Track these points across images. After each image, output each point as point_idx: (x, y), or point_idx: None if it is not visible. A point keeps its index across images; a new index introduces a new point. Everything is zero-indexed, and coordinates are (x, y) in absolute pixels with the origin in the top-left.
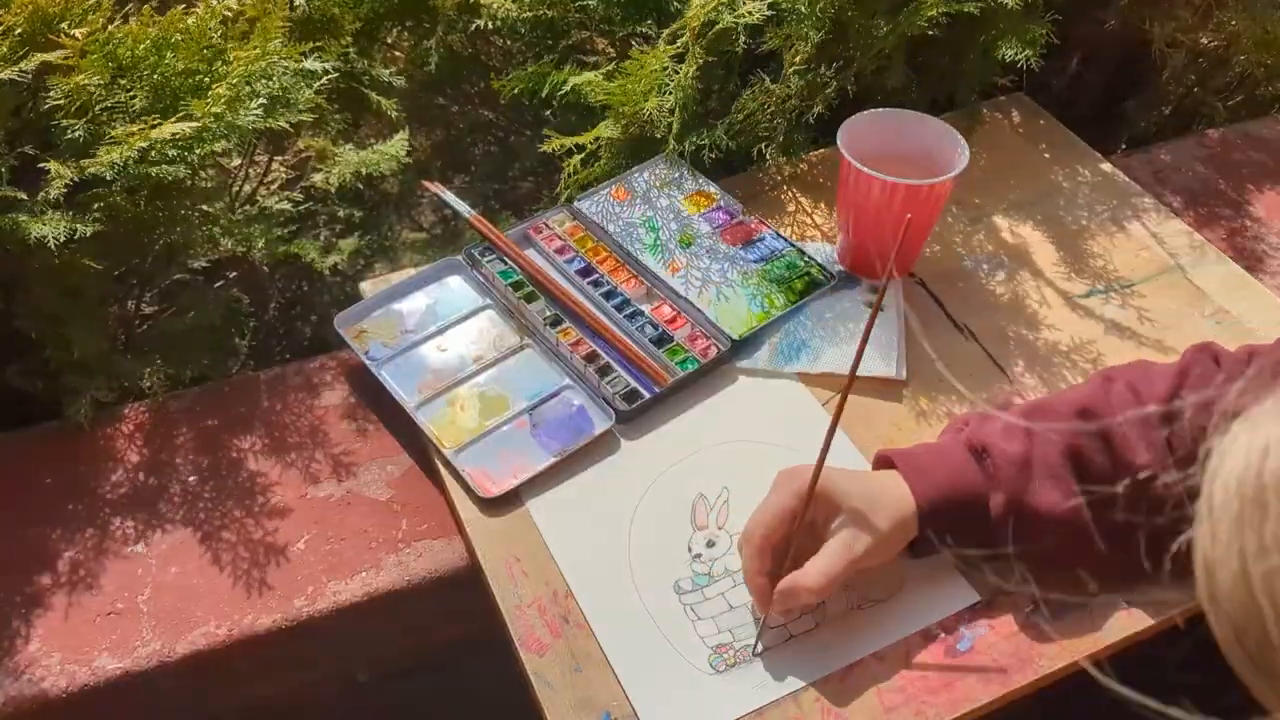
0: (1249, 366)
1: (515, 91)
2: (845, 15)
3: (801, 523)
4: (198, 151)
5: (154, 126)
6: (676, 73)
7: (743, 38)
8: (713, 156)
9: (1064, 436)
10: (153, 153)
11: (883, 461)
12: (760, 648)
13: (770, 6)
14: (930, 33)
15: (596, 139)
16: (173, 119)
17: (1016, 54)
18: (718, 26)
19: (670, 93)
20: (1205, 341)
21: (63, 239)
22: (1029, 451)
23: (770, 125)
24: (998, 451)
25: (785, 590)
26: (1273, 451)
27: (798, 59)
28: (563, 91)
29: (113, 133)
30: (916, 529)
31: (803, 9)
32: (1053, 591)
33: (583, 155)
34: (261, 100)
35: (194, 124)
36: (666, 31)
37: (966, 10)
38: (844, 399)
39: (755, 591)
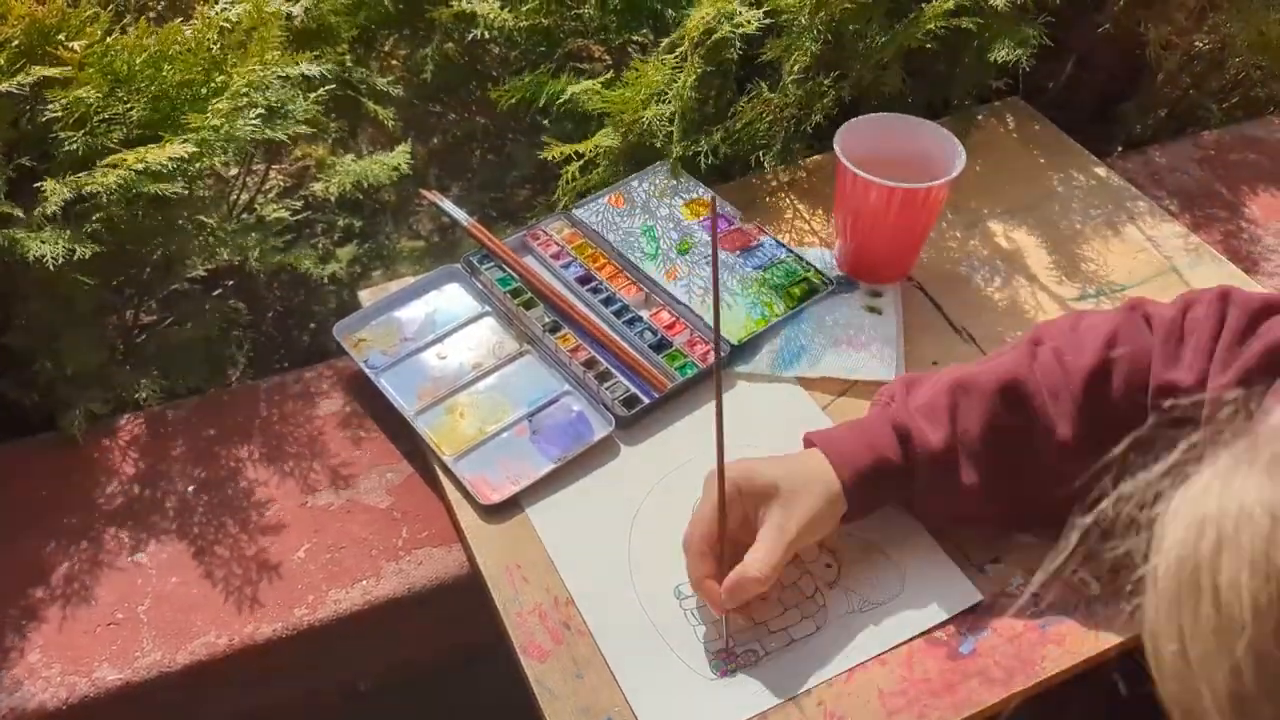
0: (1183, 320)
1: (513, 101)
2: (844, 27)
3: (724, 517)
4: (196, 165)
5: (151, 148)
6: (675, 81)
7: (738, 46)
8: (710, 163)
9: (986, 418)
10: (151, 169)
11: (807, 443)
12: (729, 650)
13: (768, 15)
14: (928, 46)
15: (596, 148)
16: (171, 140)
17: (1009, 56)
18: (716, 35)
19: (669, 101)
20: (1138, 298)
21: (61, 259)
22: (951, 438)
23: (768, 133)
24: (919, 438)
25: (731, 585)
26: (1207, 532)
27: (796, 68)
28: (561, 101)
29: (111, 155)
30: (845, 506)
31: (802, 20)
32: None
33: (580, 163)
34: (259, 111)
35: (193, 145)
36: (666, 41)
37: (964, 25)
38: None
39: (706, 595)
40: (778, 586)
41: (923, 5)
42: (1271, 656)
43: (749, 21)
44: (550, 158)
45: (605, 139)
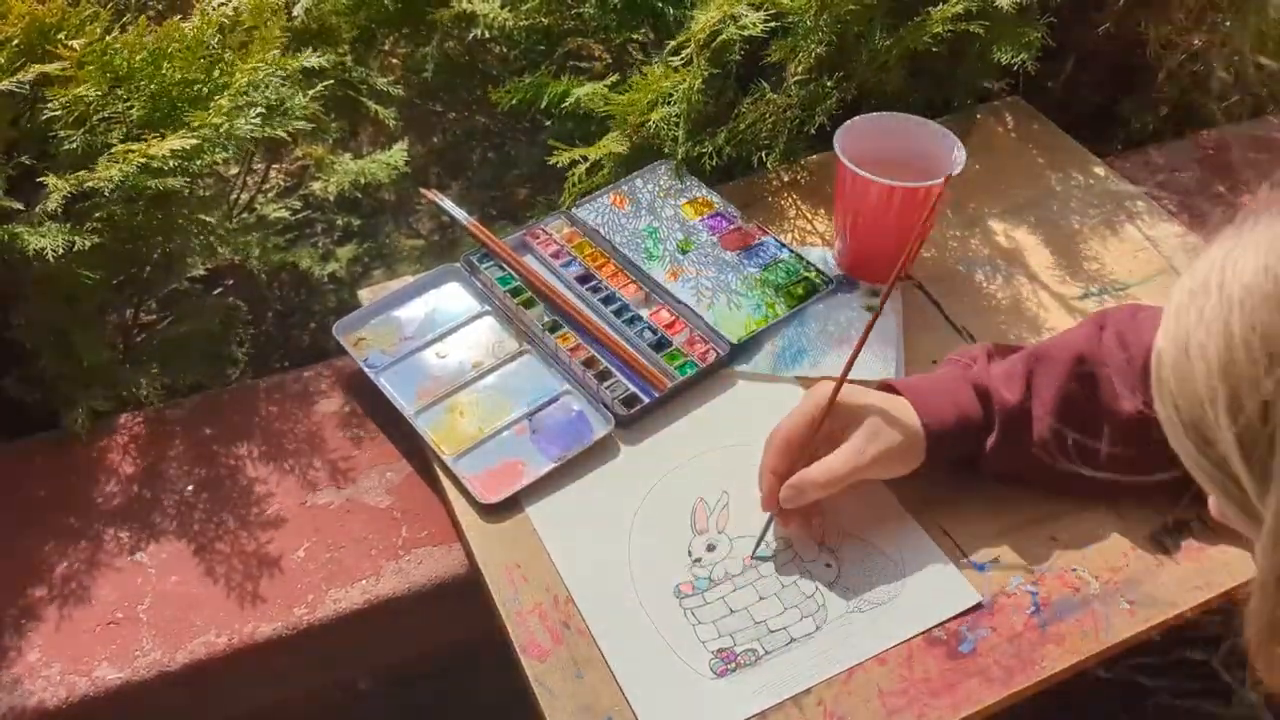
0: None
1: (513, 102)
2: (848, 29)
3: (820, 426)
4: (197, 163)
5: (154, 142)
6: (681, 83)
7: (740, 47)
8: (714, 164)
9: (1059, 385)
10: (153, 164)
11: (889, 391)
12: (759, 549)
13: (773, 18)
14: (934, 50)
15: (603, 153)
16: (173, 134)
17: (1013, 58)
18: (721, 38)
19: (675, 103)
20: None
21: (61, 252)
22: (1026, 399)
23: (771, 134)
24: (998, 398)
25: (794, 484)
26: (1228, 258)
27: (799, 69)
28: (565, 104)
29: (112, 149)
30: (923, 455)
31: (808, 23)
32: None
33: (586, 165)
34: (260, 109)
35: (194, 139)
36: (671, 44)
37: (972, 30)
38: (839, 385)
39: (765, 487)
40: (776, 584)
41: (928, 9)
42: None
43: (754, 24)
44: (557, 163)
45: (613, 144)
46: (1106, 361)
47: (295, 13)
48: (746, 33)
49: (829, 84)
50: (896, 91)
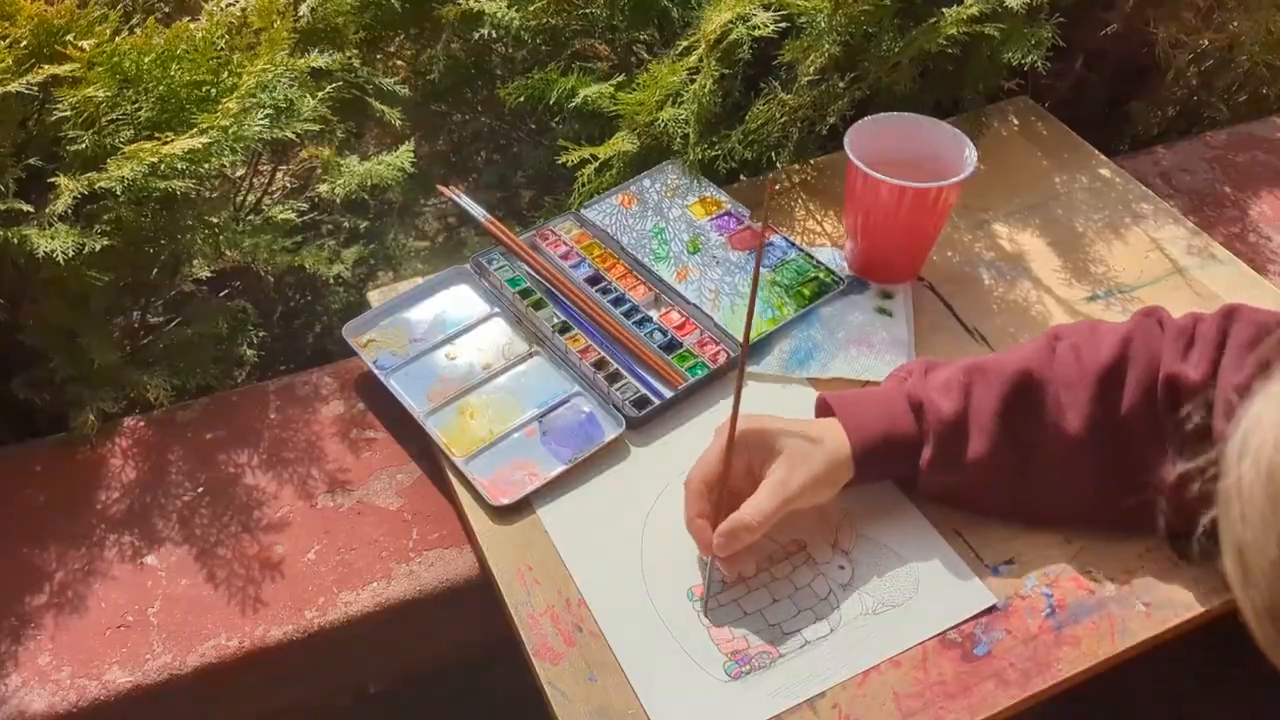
0: (1194, 331)
1: (520, 99)
2: (859, 30)
3: (729, 463)
4: (205, 165)
5: (165, 143)
6: (691, 83)
7: (750, 47)
8: (728, 167)
9: (999, 398)
10: (162, 166)
11: (822, 406)
12: (709, 603)
13: (784, 19)
14: (949, 51)
15: (613, 152)
16: (184, 135)
17: (1023, 58)
18: (731, 37)
19: (684, 104)
20: (1152, 306)
21: (70, 254)
22: (964, 410)
23: (783, 134)
24: (932, 409)
25: (726, 531)
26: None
27: (811, 70)
28: (573, 103)
29: (123, 149)
30: (851, 472)
31: (821, 24)
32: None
33: (596, 165)
34: (267, 111)
35: (204, 140)
36: (682, 44)
37: (986, 33)
38: (743, 363)
39: (696, 534)
40: (789, 586)
41: (942, 9)
42: None
43: (765, 24)
44: (567, 162)
45: (623, 143)
46: (1056, 376)
47: (301, 12)
48: (757, 33)
49: (841, 84)
50: (907, 92)
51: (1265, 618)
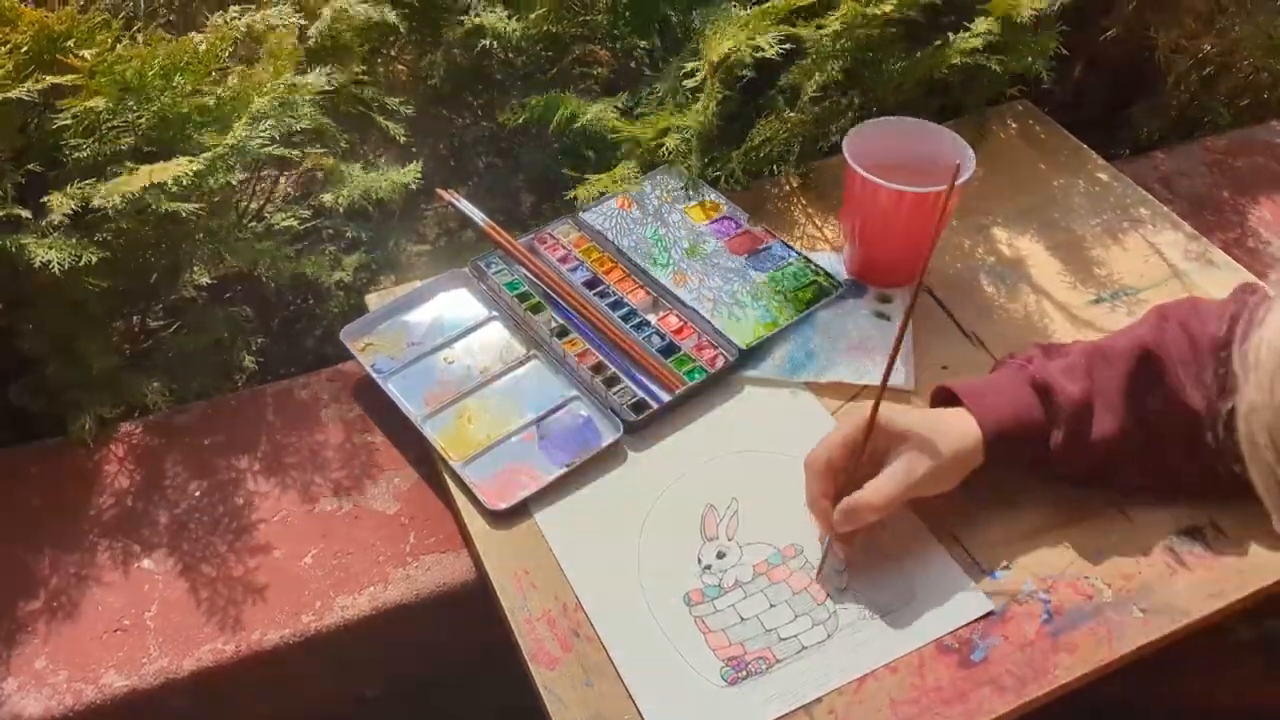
0: None
1: (520, 121)
2: (864, 53)
3: (863, 450)
4: (210, 181)
5: (158, 167)
6: (693, 104)
7: (753, 68)
8: (730, 187)
9: (1123, 376)
10: (156, 193)
11: (941, 394)
12: (823, 570)
13: (788, 40)
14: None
15: (617, 178)
16: (181, 158)
17: (1030, 68)
18: (733, 59)
19: (686, 125)
20: (1249, 283)
21: (67, 265)
22: (1089, 392)
23: (785, 149)
24: (1060, 391)
25: (847, 508)
26: None
27: (813, 88)
28: (577, 125)
29: (118, 171)
30: (979, 459)
31: (826, 46)
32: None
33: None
34: (271, 122)
35: (199, 165)
36: (687, 66)
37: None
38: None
39: (818, 513)
40: (786, 591)
41: (946, 33)
42: None
43: (769, 45)
44: (574, 196)
45: (625, 170)
46: (1172, 354)
47: (310, 34)
48: (760, 54)
49: (844, 102)
50: (909, 101)
51: (1269, 471)
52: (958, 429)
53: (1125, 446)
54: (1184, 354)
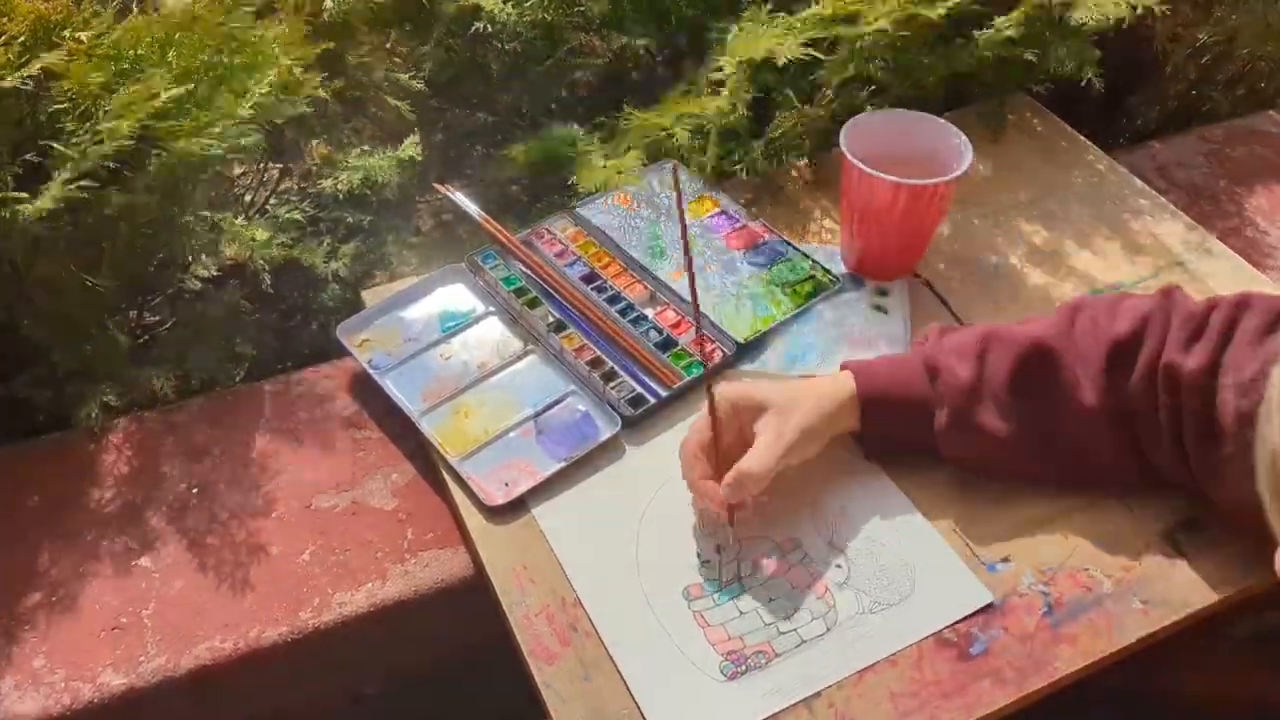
0: (1206, 319)
1: (528, 161)
2: (893, 53)
3: (716, 416)
4: (216, 129)
5: (155, 86)
6: (715, 100)
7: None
8: (746, 175)
9: (1009, 370)
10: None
11: (842, 369)
12: (722, 574)
13: (811, 42)
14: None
15: (622, 171)
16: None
17: (1075, 72)
18: (765, 59)
19: (706, 123)
20: (1172, 285)
21: (60, 207)
22: (977, 377)
23: (800, 142)
24: (946, 370)
25: (732, 480)
26: None
27: (835, 83)
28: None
29: (120, 96)
30: (852, 422)
31: (866, 45)
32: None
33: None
34: (271, 81)
35: (190, 85)
36: (713, 65)
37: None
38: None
39: (705, 492)
40: (785, 585)
41: (971, 30)
42: None
43: (794, 48)
44: (577, 196)
45: (632, 160)
46: (1070, 349)
47: (325, 4)
48: (787, 58)
49: (863, 96)
50: (923, 96)
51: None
52: (829, 391)
53: (1012, 438)
54: (1086, 350)
